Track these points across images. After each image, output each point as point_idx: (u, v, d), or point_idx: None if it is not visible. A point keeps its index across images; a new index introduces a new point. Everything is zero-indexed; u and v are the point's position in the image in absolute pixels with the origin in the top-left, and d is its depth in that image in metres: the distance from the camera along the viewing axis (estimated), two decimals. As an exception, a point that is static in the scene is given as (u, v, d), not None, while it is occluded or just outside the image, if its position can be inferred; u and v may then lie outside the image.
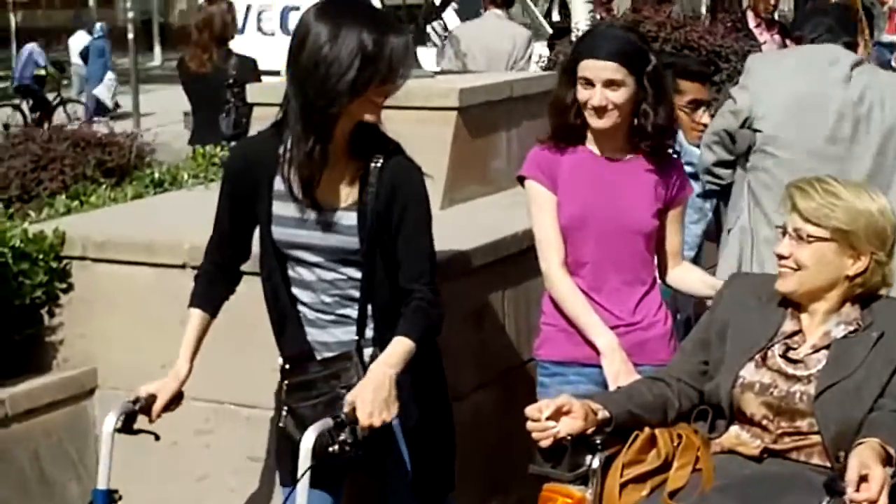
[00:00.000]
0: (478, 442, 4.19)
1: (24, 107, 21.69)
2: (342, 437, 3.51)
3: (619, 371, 4.19)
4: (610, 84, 4.17)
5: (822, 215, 3.71)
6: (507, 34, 10.19)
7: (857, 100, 5.01)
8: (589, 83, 4.19)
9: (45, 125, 17.15)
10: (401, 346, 3.71)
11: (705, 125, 5.34)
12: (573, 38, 9.59)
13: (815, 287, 3.75)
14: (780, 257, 3.78)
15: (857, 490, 3.23)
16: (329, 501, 3.95)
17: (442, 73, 6.82)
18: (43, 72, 22.71)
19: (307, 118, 3.71)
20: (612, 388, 4.10)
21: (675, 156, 4.57)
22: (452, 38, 10.13)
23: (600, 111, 4.20)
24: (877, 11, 13.62)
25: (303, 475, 3.50)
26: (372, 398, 3.57)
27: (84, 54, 23.76)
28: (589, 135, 4.31)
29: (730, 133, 5.06)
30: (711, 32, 8.10)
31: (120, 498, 3.82)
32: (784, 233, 3.79)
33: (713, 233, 5.61)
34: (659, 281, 4.47)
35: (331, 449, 3.51)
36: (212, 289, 4.03)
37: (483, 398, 4.88)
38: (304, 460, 3.48)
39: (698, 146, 5.32)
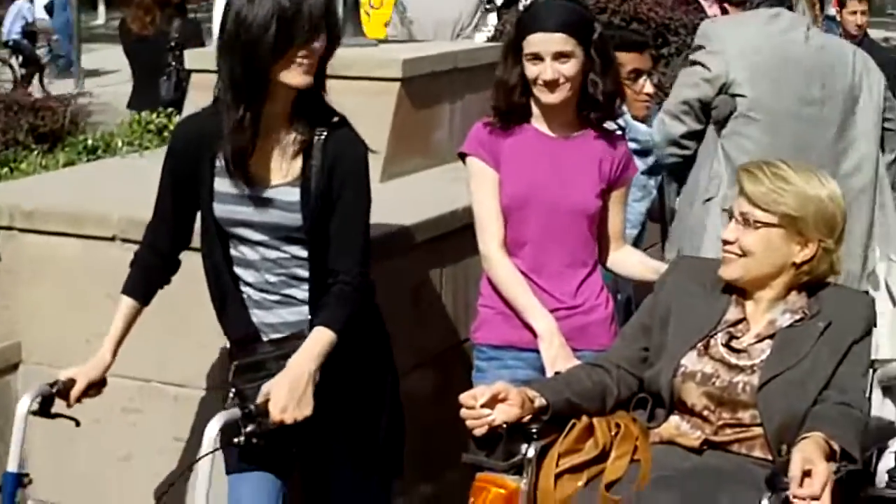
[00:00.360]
0: (411, 424, 4.09)
1: (14, 62, 21.46)
2: (249, 428, 3.42)
3: (556, 356, 4.08)
4: (559, 56, 4.07)
5: (771, 200, 3.62)
6: (454, 1, 10.06)
7: (819, 61, 4.97)
8: (537, 58, 4.08)
9: (34, 80, 17.12)
10: (322, 338, 3.61)
11: (649, 95, 5.26)
12: (521, 6, 9.48)
13: (761, 274, 3.65)
14: (726, 242, 3.68)
15: (801, 485, 3.14)
16: (277, 485, 3.84)
17: (385, 41, 6.66)
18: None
19: (235, 86, 3.61)
20: (549, 373, 4.00)
21: (620, 133, 4.47)
22: (398, 4, 9.99)
23: (552, 85, 4.10)
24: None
25: (199, 459, 3.41)
26: (287, 394, 3.48)
27: (49, 7, 23.61)
28: (535, 111, 4.21)
29: (703, 102, 4.96)
30: (661, 4, 8.00)
31: (30, 481, 3.72)
32: (731, 217, 3.69)
33: (656, 211, 5.52)
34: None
35: (236, 440, 3.43)
36: (146, 276, 3.90)
37: (418, 380, 4.76)
38: (205, 448, 3.39)
39: (643, 120, 5.21)
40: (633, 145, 5.07)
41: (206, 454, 3.40)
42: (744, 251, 3.64)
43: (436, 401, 4.63)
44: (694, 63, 5.02)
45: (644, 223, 5.39)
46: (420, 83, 5.60)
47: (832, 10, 10.82)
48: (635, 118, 5.21)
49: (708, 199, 4.93)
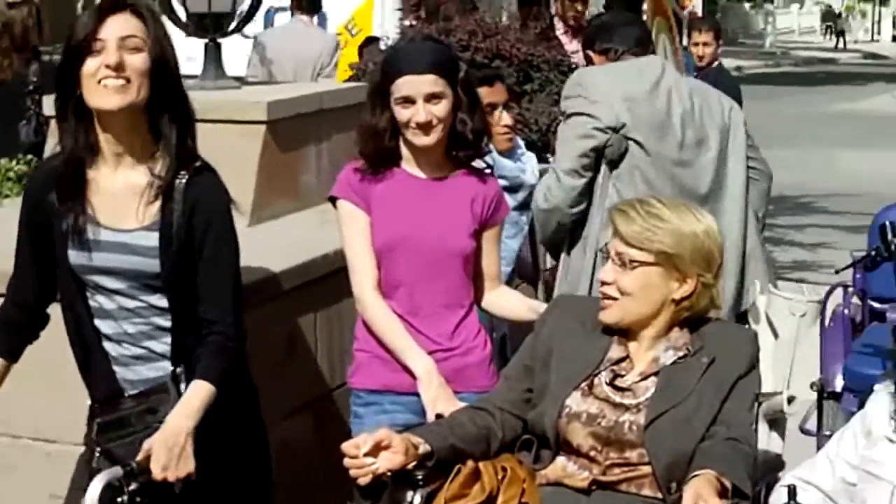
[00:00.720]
0: (284, 473, 3.99)
1: None
2: (132, 486, 3.30)
3: (437, 397, 4.01)
4: (431, 98, 4.02)
5: (645, 239, 3.57)
6: (314, 40, 10.03)
7: (690, 107, 5.00)
8: (408, 101, 4.03)
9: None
10: (199, 392, 3.48)
11: (508, 126, 5.21)
12: (381, 47, 9.44)
13: (641, 314, 3.61)
14: (604, 283, 3.64)
15: None
16: None
17: (246, 82, 6.57)
18: None
19: (61, 118, 3.52)
20: (430, 415, 3.93)
21: (489, 172, 4.43)
22: (258, 44, 9.92)
23: (425, 128, 4.04)
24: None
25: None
26: (167, 451, 3.35)
27: None
28: (404, 153, 4.14)
29: (597, 151, 4.92)
30: (522, 41, 8.01)
31: None
32: (606, 257, 3.65)
33: (526, 264, 5.51)
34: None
35: (119, 500, 3.29)
36: (11, 333, 3.73)
37: (292, 427, 4.66)
38: None
39: (507, 153, 5.17)
40: (502, 182, 5.03)
41: None
42: (622, 291, 3.59)
43: (313, 449, 4.54)
44: (578, 114, 4.98)
45: (516, 260, 5.34)
46: (286, 125, 5.53)
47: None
48: (500, 153, 5.17)
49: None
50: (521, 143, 5.48)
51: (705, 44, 9.81)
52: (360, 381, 4.19)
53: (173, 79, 3.55)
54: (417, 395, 4.05)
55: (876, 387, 3.49)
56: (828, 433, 5.22)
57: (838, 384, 5.35)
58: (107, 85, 3.44)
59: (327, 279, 4.77)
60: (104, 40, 3.45)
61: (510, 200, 5.01)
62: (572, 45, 9.20)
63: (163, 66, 3.51)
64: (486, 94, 5.01)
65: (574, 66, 8.00)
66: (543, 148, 7.14)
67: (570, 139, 5.00)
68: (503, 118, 5.19)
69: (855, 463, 3.29)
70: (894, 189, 14.11)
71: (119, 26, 3.47)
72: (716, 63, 9.87)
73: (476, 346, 4.20)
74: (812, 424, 5.26)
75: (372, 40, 12.38)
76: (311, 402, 4.86)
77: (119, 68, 3.43)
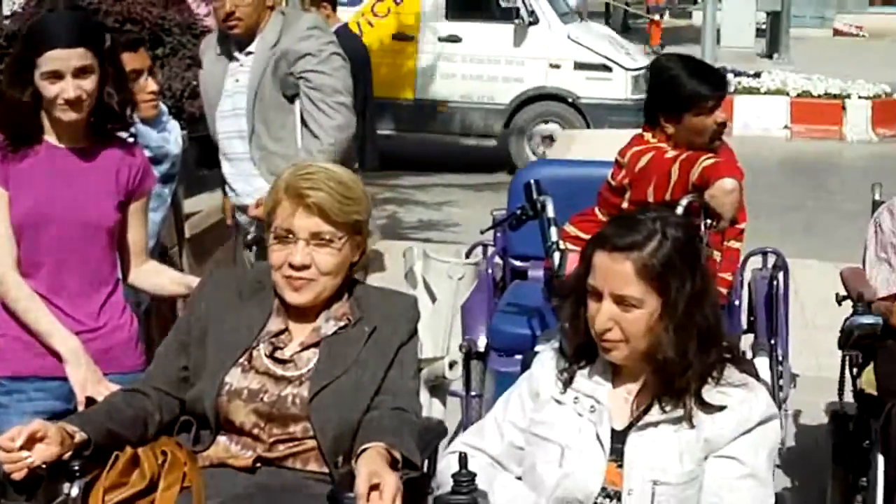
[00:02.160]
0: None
1: None
2: None
3: (86, 379, 3.85)
4: (80, 73, 3.84)
5: (341, 212, 3.46)
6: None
7: None
8: (56, 76, 3.83)
9: None
10: None
11: (153, 93, 5.02)
12: (6, 12, 9.04)
13: (334, 289, 3.52)
14: (297, 268, 3.47)
15: (368, 500, 3.04)
16: None
17: None
18: None
19: None
20: (80, 398, 3.75)
21: (134, 142, 4.28)
22: None
23: (75, 103, 3.86)
24: None
25: None
26: None
27: None
28: (46, 126, 3.95)
29: None
30: (154, 4, 7.80)
31: None
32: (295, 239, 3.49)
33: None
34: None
35: None
36: None
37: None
38: None
39: (152, 122, 5.00)
40: (146, 153, 4.88)
41: None
42: (323, 273, 3.47)
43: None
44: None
45: (159, 232, 5.18)
46: None
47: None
48: (144, 121, 4.99)
49: None
50: (165, 109, 5.31)
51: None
52: (1, 369, 3.97)
53: None
54: (64, 378, 3.89)
55: (539, 347, 3.52)
56: (475, 394, 5.28)
57: (482, 344, 5.39)
58: None
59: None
60: None
61: (153, 172, 4.88)
62: (202, 9, 9.04)
63: None
64: (129, 60, 4.83)
65: (205, 29, 7.85)
66: (178, 114, 6.98)
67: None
68: (149, 84, 5.00)
69: (523, 426, 3.29)
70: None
71: None
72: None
73: (122, 324, 4.08)
74: (458, 386, 5.28)
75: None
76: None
77: None
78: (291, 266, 3.45)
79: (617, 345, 3.18)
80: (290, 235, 3.45)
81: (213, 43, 5.89)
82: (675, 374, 3.15)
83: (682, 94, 4.88)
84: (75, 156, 3.97)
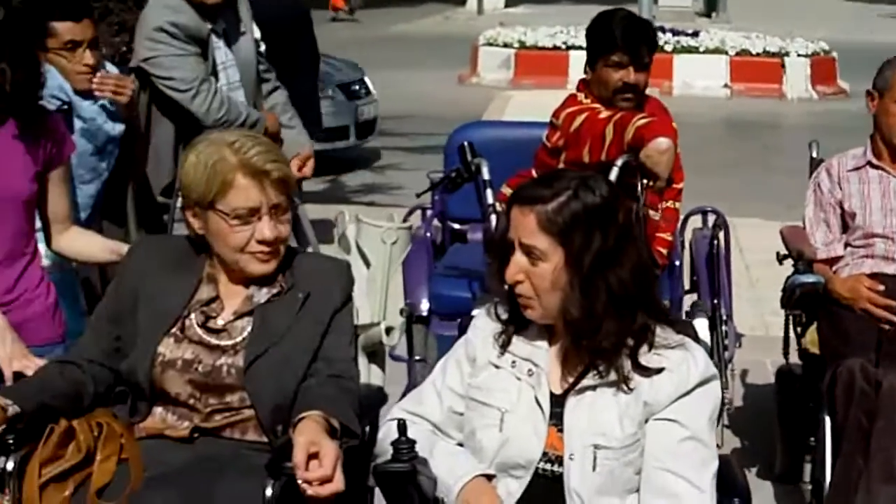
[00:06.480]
0: None
1: None
2: None
3: (13, 354, 3.71)
4: None
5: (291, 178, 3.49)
6: None
7: None
8: None
9: None
10: None
11: (89, 66, 4.85)
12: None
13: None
14: (276, 240, 3.45)
15: (307, 469, 3.01)
16: None
17: None
18: None
19: None
20: (7, 373, 3.64)
21: (55, 111, 4.19)
22: None
23: None
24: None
25: None
26: None
27: None
28: None
29: None
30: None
31: None
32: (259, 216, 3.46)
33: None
34: (45, 249, 4.15)
35: None
36: None
37: None
38: None
39: (89, 95, 4.90)
40: (79, 124, 4.81)
41: None
42: (283, 241, 3.47)
43: None
44: None
45: (96, 206, 5.07)
46: None
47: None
48: (77, 93, 4.89)
49: None
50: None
51: None
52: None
53: None
54: None
55: (475, 312, 3.48)
56: (419, 358, 5.26)
57: (424, 308, 5.37)
58: None
59: None
60: None
61: (88, 146, 4.81)
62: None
63: None
64: (67, 29, 4.73)
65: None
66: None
67: None
68: (85, 57, 4.86)
69: (462, 392, 3.26)
70: (446, 109, 14.55)
71: None
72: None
73: (38, 295, 4.02)
74: (402, 350, 5.25)
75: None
76: None
77: None
78: (263, 242, 3.42)
79: (529, 301, 3.16)
80: (255, 214, 3.41)
81: None
82: (584, 335, 3.11)
83: (596, 38, 4.90)
84: None
